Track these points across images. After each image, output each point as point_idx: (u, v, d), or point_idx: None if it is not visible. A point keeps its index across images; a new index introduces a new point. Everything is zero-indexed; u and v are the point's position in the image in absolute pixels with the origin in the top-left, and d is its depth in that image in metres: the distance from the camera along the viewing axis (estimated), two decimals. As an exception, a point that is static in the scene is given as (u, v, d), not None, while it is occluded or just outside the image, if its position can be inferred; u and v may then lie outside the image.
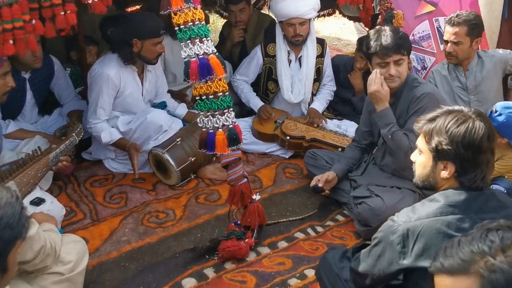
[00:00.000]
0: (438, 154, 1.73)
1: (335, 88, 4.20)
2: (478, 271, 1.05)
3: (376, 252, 1.78)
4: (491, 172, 1.78)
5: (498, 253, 1.06)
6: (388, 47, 2.79)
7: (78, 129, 3.02)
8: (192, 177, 3.48)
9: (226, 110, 2.56)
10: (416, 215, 1.69)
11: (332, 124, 3.95)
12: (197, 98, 2.56)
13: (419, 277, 1.69)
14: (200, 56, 2.47)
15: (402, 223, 1.69)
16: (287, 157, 3.83)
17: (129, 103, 3.48)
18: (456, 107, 1.78)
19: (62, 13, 2.33)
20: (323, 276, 2.28)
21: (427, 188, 1.84)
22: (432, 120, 1.76)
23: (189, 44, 2.47)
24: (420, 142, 1.81)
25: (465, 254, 1.09)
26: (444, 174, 1.73)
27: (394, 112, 2.90)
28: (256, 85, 4.14)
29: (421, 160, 1.83)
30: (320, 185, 3.10)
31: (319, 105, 4.06)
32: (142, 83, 3.52)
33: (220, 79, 2.51)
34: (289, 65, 3.91)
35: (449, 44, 3.52)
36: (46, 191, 3.01)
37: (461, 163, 1.69)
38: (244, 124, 3.89)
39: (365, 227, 2.88)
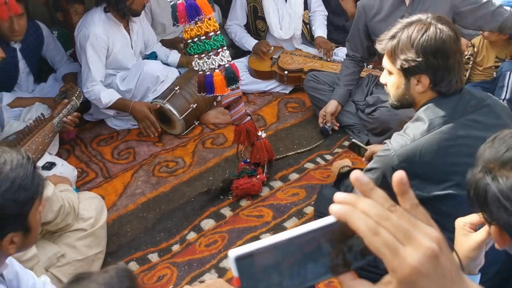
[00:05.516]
0: (409, 70, 1.66)
1: (326, 12, 4.11)
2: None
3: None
4: (463, 71, 1.74)
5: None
6: None
7: (78, 92, 3.01)
8: (196, 124, 3.48)
9: (220, 50, 2.53)
10: (410, 137, 1.64)
11: (328, 52, 3.89)
12: (189, 41, 2.53)
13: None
14: (186, -3, 2.42)
15: (399, 148, 1.64)
16: (287, 92, 3.81)
17: (121, 59, 3.41)
18: (414, 17, 1.69)
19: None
20: (322, 212, 2.31)
21: (405, 107, 1.79)
22: (393, 37, 1.68)
23: (174, -14, 2.41)
24: (387, 63, 1.74)
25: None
26: (420, 88, 1.68)
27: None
28: (246, 28, 4.06)
29: (392, 80, 1.75)
30: (328, 124, 3.09)
31: (322, 32, 3.94)
32: (129, 35, 3.46)
33: (209, 19, 2.46)
34: None
35: None
36: (54, 155, 3.04)
37: (434, 72, 1.64)
38: (240, 65, 3.84)
39: (380, 136, 2.89)
